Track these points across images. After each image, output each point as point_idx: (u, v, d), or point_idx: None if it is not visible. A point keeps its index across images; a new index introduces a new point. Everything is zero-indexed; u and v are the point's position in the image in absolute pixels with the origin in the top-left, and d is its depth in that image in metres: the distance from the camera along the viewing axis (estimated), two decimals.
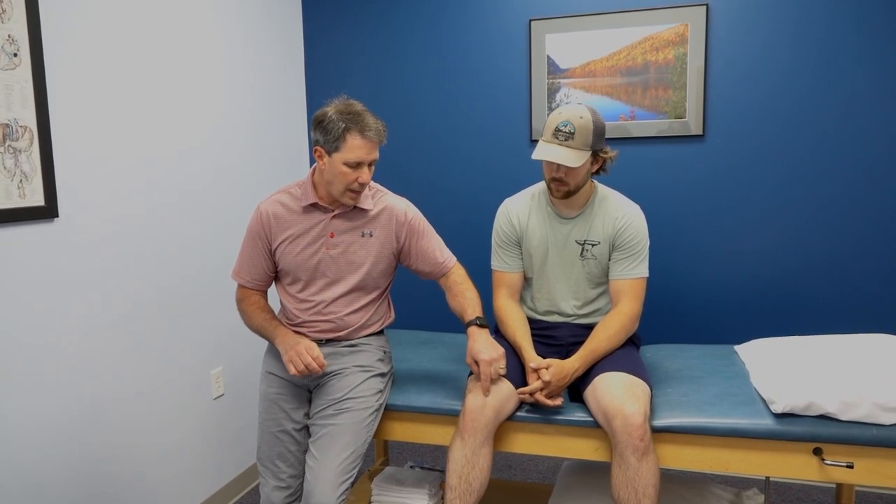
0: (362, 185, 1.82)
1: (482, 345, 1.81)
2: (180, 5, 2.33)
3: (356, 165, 1.79)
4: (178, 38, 2.32)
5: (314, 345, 1.84)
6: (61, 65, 1.88)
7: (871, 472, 1.65)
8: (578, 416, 1.83)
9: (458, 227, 2.94)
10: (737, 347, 2.22)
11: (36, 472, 1.83)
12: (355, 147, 1.77)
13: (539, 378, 1.82)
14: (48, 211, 1.85)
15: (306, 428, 1.89)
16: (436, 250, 1.97)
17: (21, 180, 1.77)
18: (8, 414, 1.76)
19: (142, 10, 2.16)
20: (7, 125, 1.73)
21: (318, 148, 1.82)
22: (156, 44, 2.23)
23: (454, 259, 2.01)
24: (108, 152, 2.05)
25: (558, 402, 1.83)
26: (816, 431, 1.67)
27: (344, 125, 1.76)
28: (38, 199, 1.82)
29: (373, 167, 1.84)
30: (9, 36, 1.73)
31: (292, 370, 1.79)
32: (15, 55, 1.75)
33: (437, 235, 2.00)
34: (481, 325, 1.86)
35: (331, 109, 1.80)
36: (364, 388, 1.86)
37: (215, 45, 2.52)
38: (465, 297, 1.92)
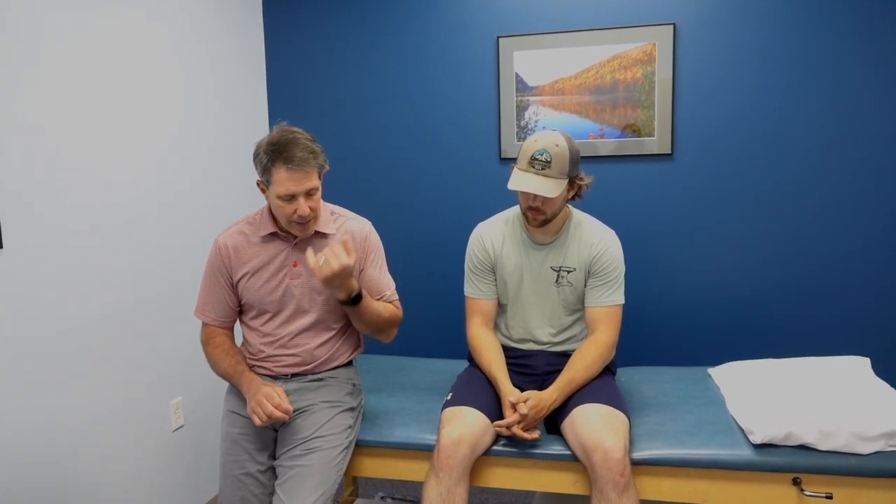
0: (302, 218, 1.72)
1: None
2: (136, 30, 2.21)
3: (289, 198, 1.69)
4: (132, 61, 2.20)
5: (276, 391, 1.72)
6: (5, 90, 1.76)
7: (850, 501, 1.65)
8: (556, 448, 1.78)
9: (426, 248, 2.88)
10: (710, 370, 2.20)
11: None
12: (282, 180, 1.67)
13: (516, 411, 1.76)
14: None
15: (272, 469, 1.80)
16: (382, 281, 1.89)
17: None
18: None
19: (92, 33, 2.04)
20: None
21: (259, 182, 1.74)
22: (108, 66, 2.10)
23: (396, 297, 1.92)
24: (56, 179, 1.92)
25: (535, 434, 1.78)
26: (795, 462, 1.66)
27: (268, 158, 1.67)
28: None
29: (314, 195, 1.72)
30: None
31: (256, 422, 1.70)
32: None
33: (386, 268, 1.92)
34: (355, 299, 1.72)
35: (263, 141, 1.71)
36: (333, 425, 1.78)
37: (173, 63, 2.40)
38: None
